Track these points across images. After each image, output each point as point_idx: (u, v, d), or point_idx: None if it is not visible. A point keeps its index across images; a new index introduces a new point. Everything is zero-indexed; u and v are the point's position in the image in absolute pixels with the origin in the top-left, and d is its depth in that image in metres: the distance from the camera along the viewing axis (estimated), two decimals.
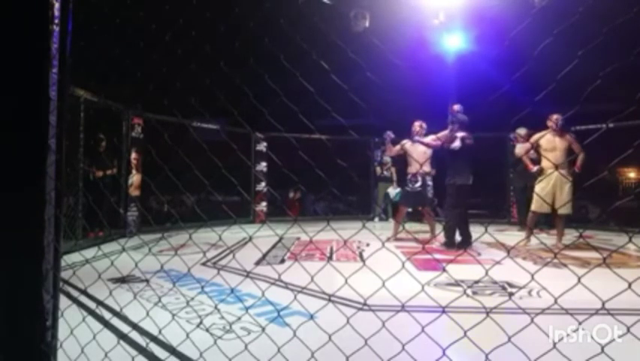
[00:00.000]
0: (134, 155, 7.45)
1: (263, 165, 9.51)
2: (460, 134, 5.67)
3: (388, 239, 6.39)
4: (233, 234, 6.58)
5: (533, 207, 5.93)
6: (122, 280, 3.86)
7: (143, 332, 2.50)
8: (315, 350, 1.81)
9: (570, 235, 7.10)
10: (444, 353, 1.65)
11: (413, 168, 6.27)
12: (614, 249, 5.34)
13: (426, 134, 6.36)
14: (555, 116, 5.74)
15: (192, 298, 3.09)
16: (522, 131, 8.04)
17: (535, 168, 6.10)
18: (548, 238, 6.68)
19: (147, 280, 3.74)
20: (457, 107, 5.93)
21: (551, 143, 5.77)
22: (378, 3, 8.11)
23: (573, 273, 1.61)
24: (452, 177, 5.66)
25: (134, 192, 7.45)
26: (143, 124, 7.59)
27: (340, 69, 1.77)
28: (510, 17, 7.30)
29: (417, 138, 6.34)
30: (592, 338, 1.53)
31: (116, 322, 2.73)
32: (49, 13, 1.41)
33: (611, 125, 6.64)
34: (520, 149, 6.60)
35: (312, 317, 1.90)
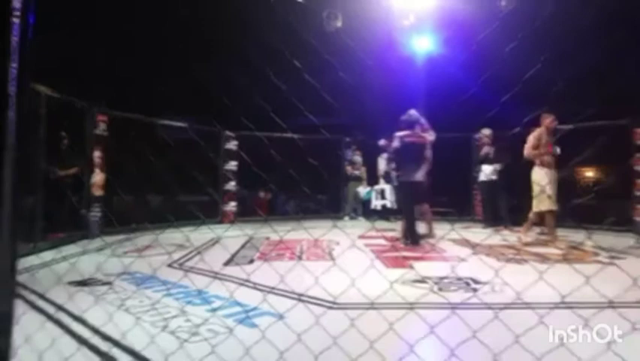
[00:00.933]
0: (97, 153, 7.21)
1: (233, 164, 9.39)
2: (400, 133, 5.95)
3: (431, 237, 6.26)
4: (201, 234, 6.46)
5: (554, 206, 5.82)
6: (84, 283, 3.72)
7: (105, 337, 2.42)
8: (283, 350, 1.80)
9: (531, 232, 7.36)
10: (411, 350, 1.68)
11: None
12: (574, 245, 5.57)
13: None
14: (551, 117, 5.75)
15: (157, 301, 3.01)
16: (487, 131, 8.28)
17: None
18: (511, 235, 6.89)
19: (110, 283, 3.62)
20: (411, 111, 6.16)
21: (548, 142, 5.81)
22: (350, 3, 8.16)
23: (535, 269, 1.67)
24: (398, 175, 6.00)
25: (98, 191, 7.20)
26: (109, 121, 7.36)
27: (313, 69, 1.77)
28: (478, 21, 7.50)
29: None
30: (552, 333, 1.59)
31: (76, 327, 2.63)
32: (9, 4, 1.34)
33: (571, 126, 6.91)
34: (529, 149, 6.11)
35: (281, 317, 1.88)
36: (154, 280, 3.55)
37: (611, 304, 1.61)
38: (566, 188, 7.80)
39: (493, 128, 8.66)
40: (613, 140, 6.39)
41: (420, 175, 5.83)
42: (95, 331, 2.46)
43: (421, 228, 6.07)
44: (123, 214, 8.23)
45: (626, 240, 6.07)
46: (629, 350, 1.53)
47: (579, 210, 7.37)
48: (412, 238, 5.83)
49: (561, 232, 7.23)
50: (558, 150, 5.98)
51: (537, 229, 7.42)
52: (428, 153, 6.04)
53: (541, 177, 5.78)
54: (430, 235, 6.25)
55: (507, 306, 2.03)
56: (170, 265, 4.51)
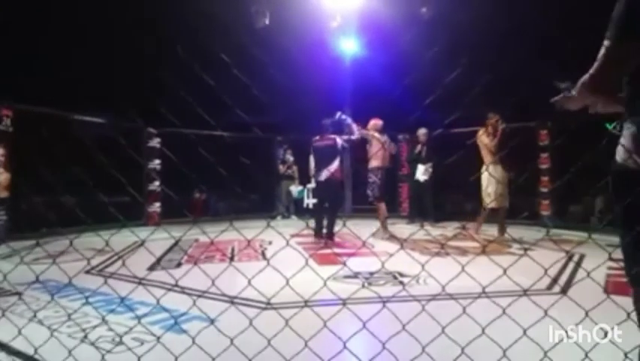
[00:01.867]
0: (1, 151, 6.53)
1: (156, 163, 8.94)
2: (315, 138, 6.53)
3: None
4: (122, 238, 6.07)
5: (496, 204, 6.02)
6: None
7: (15, 352, 2.20)
8: (215, 355, 1.74)
9: (451, 227, 7.83)
10: (344, 346, 1.71)
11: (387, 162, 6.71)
12: (492, 239, 6.00)
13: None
14: (496, 118, 6.09)
15: (75, 311, 2.79)
16: (422, 131, 8.67)
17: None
18: (434, 230, 7.27)
19: (19, 293, 3.29)
20: (337, 114, 6.52)
21: (493, 140, 6.18)
22: (278, 1, 8.12)
23: (457, 262, 1.76)
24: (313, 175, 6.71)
25: (2, 193, 6.53)
26: (14, 116, 6.68)
27: (243, 65, 1.72)
28: (400, 26, 7.81)
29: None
30: (473, 319, 1.69)
31: None
32: None
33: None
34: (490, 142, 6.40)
35: (212, 321, 1.82)
36: (70, 289, 3.28)
37: (525, 293, 1.76)
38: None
39: (414, 130, 9.10)
40: (523, 141, 6.94)
41: (324, 175, 6.32)
42: (2, 346, 2.22)
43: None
44: (33, 218, 7.52)
45: (534, 233, 6.66)
46: (542, 335, 1.68)
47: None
48: (316, 233, 6.33)
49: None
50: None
51: (456, 224, 7.91)
52: (339, 153, 6.40)
53: (488, 176, 6.00)
54: (381, 232, 6.59)
55: (433, 298, 2.13)
56: (88, 272, 4.21)
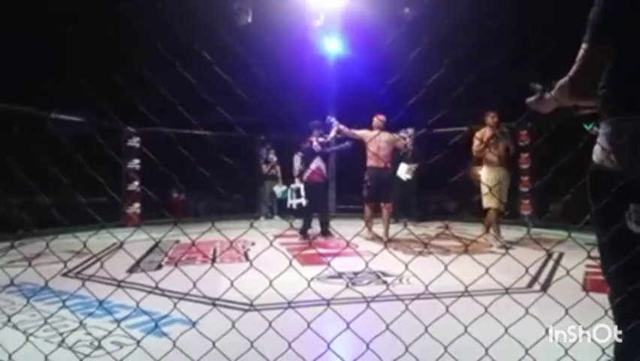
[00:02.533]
0: None
1: (136, 163, 8.78)
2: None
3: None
4: (101, 240, 5.95)
5: (494, 204, 5.76)
6: None
7: None
8: (197, 359, 1.71)
9: (432, 227, 7.91)
10: (328, 347, 1.70)
11: (377, 162, 6.46)
12: (473, 238, 6.06)
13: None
14: (492, 114, 5.87)
15: (52, 315, 2.71)
16: (410, 131, 8.71)
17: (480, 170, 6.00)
18: (416, 229, 7.34)
19: None
20: (327, 117, 6.69)
21: (494, 140, 5.86)
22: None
23: (440, 261, 1.77)
24: None
25: None
26: None
27: (225, 64, 1.70)
28: (383, 27, 7.85)
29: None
30: (455, 318, 1.70)
31: None
32: None
33: (466, 129, 7.52)
34: (477, 146, 6.11)
35: (194, 324, 1.79)
36: (47, 292, 3.18)
37: (507, 291, 1.77)
38: (465, 186, 8.51)
39: (398, 130, 9.16)
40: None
41: (306, 175, 6.58)
42: None
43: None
44: (8, 219, 7.30)
45: (514, 232, 6.76)
46: (523, 333, 1.70)
47: (474, 205, 8.05)
48: (301, 232, 6.57)
49: (459, 226, 7.88)
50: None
51: (439, 223, 7.99)
52: (317, 154, 6.60)
53: (486, 177, 5.83)
54: (365, 232, 6.61)
55: (417, 297, 2.14)
56: (65, 275, 4.11)
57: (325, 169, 6.85)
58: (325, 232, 6.76)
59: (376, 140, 6.26)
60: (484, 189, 5.84)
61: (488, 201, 5.74)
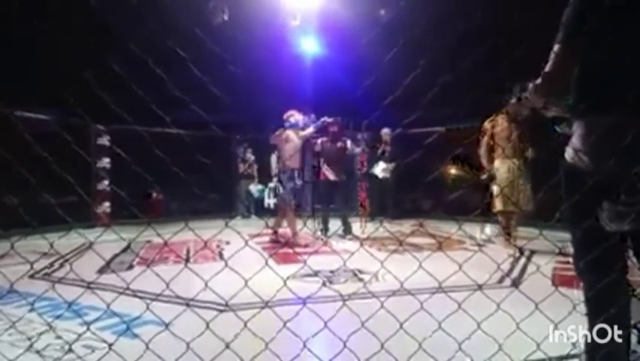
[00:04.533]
0: None
1: (106, 162, 8.55)
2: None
3: (292, 240, 6.10)
4: (69, 240, 5.77)
5: (499, 207, 5.11)
6: None
7: None
8: (171, 360, 1.68)
9: (407, 224, 8.00)
10: (304, 346, 1.70)
11: (295, 163, 6.23)
12: (447, 236, 6.16)
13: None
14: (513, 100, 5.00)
15: (19, 318, 2.62)
16: (386, 130, 8.80)
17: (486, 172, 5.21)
18: (391, 226, 7.41)
19: None
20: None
21: (506, 131, 4.92)
22: None
23: (414, 258, 1.79)
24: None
25: None
26: None
27: (200, 61, 1.67)
28: (359, 27, 7.89)
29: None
30: (430, 314, 1.73)
31: None
32: None
33: (442, 129, 7.67)
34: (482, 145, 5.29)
35: (167, 325, 1.76)
36: (13, 295, 3.07)
37: (480, 288, 1.81)
38: (435, 184, 8.64)
39: (374, 130, 9.25)
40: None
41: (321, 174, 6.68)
42: None
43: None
44: None
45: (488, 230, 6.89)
46: (495, 328, 1.74)
47: (447, 203, 8.18)
48: (322, 234, 6.56)
49: (433, 224, 7.99)
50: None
51: (413, 221, 8.09)
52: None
53: (498, 175, 5.08)
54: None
55: (393, 293, 2.16)
56: (32, 276, 3.97)
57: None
58: (347, 231, 6.58)
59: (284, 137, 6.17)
60: (495, 189, 5.09)
61: (497, 204, 5.14)
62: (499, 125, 4.96)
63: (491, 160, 5.10)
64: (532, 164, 4.96)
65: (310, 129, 6.30)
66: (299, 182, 6.26)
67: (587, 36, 1.31)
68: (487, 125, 5.12)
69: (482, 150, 5.16)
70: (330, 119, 6.44)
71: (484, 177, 5.24)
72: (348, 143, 6.86)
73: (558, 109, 1.54)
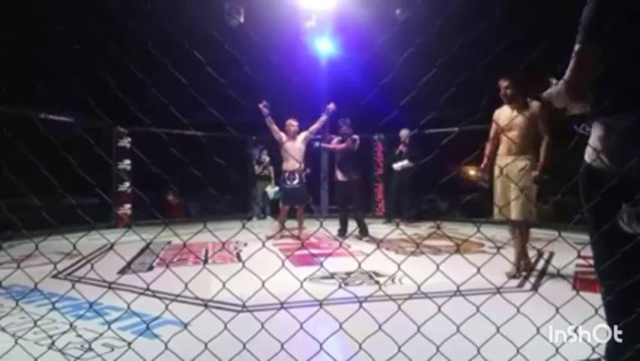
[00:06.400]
0: None
1: (127, 163, 8.71)
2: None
3: (268, 238, 6.34)
4: (91, 241, 5.90)
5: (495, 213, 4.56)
6: None
7: None
8: (189, 360, 1.70)
9: (424, 226, 7.94)
10: (321, 348, 1.70)
11: (290, 165, 6.42)
12: (465, 238, 6.08)
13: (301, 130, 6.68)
14: (505, 83, 4.07)
15: (42, 317, 2.68)
16: (404, 132, 8.73)
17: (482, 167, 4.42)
18: (408, 229, 7.36)
19: None
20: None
21: (508, 120, 4.12)
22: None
23: (432, 260, 1.78)
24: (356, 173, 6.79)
25: None
26: None
27: (217, 64, 1.69)
28: (374, 28, 7.88)
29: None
30: (448, 318, 1.71)
31: None
32: None
33: (456, 129, 7.56)
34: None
35: (186, 326, 1.78)
36: (36, 294, 3.16)
37: (498, 291, 1.78)
38: (452, 185, 8.55)
39: (390, 131, 9.22)
40: None
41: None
42: None
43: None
44: None
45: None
46: (515, 332, 1.71)
47: (465, 205, 8.10)
48: (340, 235, 6.59)
49: (450, 226, 7.91)
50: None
51: (430, 223, 8.02)
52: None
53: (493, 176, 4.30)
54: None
55: (409, 297, 2.14)
56: (55, 276, 4.06)
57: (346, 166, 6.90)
58: (362, 233, 6.65)
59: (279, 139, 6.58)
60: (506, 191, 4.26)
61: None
62: (503, 112, 4.22)
63: (490, 156, 4.28)
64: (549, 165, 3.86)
65: (314, 125, 6.48)
66: (290, 183, 6.54)
67: (608, 35, 1.28)
68: (495, 114, 4.35)
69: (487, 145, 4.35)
70: (333, 105, 6.54)
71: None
72: (357, 143, 6.87)
73: (581, 106, 1.49)
